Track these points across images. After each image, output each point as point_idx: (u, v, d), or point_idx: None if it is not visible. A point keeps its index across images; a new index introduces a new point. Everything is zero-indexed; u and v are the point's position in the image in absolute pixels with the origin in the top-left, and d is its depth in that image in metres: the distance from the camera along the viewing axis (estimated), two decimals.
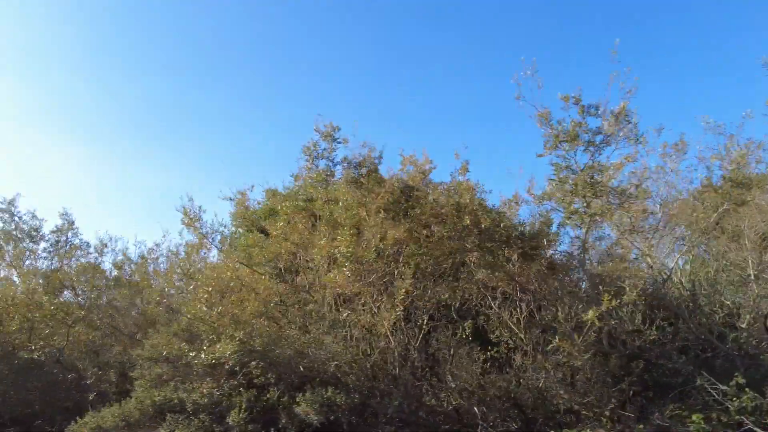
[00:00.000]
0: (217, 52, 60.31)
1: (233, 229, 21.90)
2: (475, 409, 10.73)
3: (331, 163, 12.37)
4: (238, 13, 57.29)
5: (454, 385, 11.27)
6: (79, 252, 17.41)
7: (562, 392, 10.72)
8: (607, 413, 10.22)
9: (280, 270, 13.13)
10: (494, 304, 11.42)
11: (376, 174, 12.22)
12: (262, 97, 64.52)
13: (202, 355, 10.00)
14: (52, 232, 17.64)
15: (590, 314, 8.84)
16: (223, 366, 10.46)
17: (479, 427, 10.53)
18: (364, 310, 11.02)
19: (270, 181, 19.10)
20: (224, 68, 62.02)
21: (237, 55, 61.35)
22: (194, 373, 10.57)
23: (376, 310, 11.05)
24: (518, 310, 11.24)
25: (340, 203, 11.67)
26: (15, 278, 16.80)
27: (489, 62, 57.31)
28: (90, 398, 13.20)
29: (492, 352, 11.08)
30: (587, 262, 11.89)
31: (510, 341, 11.17)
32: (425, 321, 11.34)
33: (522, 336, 11.00)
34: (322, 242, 11.61)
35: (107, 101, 59.69)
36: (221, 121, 61.87)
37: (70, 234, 17.52)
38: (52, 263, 17.02)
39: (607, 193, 10.91)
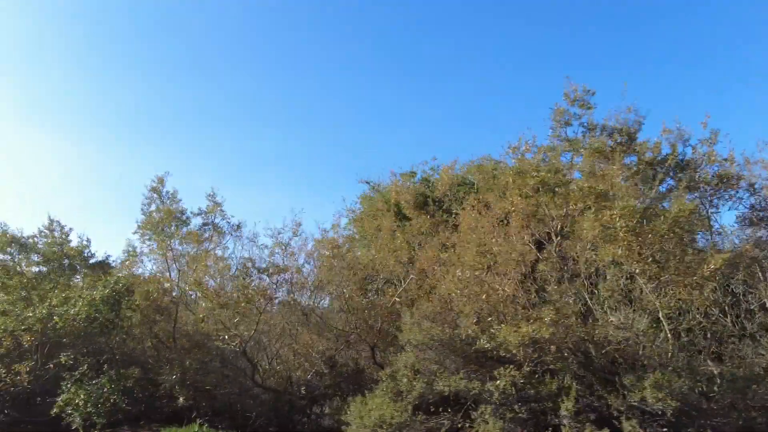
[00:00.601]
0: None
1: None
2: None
3: (582, 130, 11.28)
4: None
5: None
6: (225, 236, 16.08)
7: None
8: None
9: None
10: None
11: (632, 142, 11.23)
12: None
13: (510, 338, 8.81)
14: (196, 214, 16.25)
15: None
16: (515, 352, 9.32)
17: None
18: (658, 289, 9.95)
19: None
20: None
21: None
22: (483, 359, 9.40)
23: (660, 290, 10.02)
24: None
25: (610, 172, 10.58)
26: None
27: None
28: (300, 393, 11.90)
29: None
30: None
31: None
32: None
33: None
34: (590, 215, 10.53)
35: (106, 99, 57.90)
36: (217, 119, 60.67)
37: (217, 216, 16.15)
38: (199, 248, 15.57)
39: None
